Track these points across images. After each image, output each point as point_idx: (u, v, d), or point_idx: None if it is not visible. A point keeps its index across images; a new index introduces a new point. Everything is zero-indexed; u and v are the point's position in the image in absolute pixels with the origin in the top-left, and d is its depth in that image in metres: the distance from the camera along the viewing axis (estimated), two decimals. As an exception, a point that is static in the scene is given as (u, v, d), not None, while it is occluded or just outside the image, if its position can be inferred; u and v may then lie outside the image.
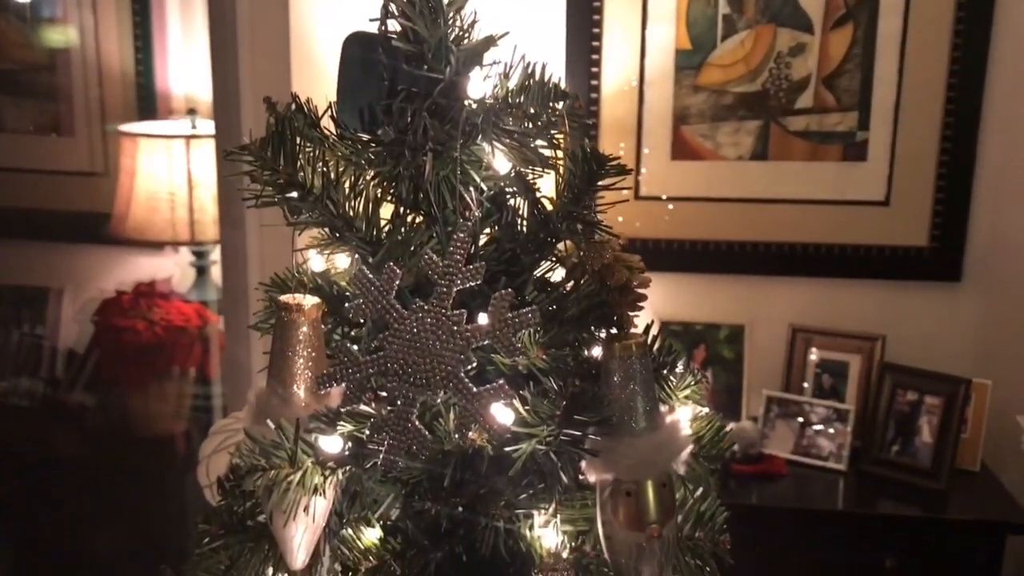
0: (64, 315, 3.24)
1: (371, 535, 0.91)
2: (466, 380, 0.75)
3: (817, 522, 2.62)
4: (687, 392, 0.92)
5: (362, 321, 0.88)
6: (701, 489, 0.91)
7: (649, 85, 2.90)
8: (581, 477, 0.91)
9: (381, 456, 0.75)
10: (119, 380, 2.97)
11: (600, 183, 0.85)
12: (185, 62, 3.11)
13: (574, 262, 0.87)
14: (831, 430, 2.80)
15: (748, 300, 3.00)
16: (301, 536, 0.87)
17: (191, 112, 3.03)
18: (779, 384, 2.95)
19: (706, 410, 0.92)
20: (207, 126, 2.99)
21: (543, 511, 0.90)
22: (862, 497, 2.69)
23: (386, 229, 0.87)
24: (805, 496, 2.69)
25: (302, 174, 0.86)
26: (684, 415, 0.87)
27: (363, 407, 0.79)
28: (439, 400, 0.75)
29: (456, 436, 0.78)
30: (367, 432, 0.76)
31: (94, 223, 3.13)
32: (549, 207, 0.88)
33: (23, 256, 3.27)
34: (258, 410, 0.87)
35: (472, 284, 0.76)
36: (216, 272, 3.16)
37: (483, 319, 0.75)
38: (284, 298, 0.87)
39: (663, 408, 0.84)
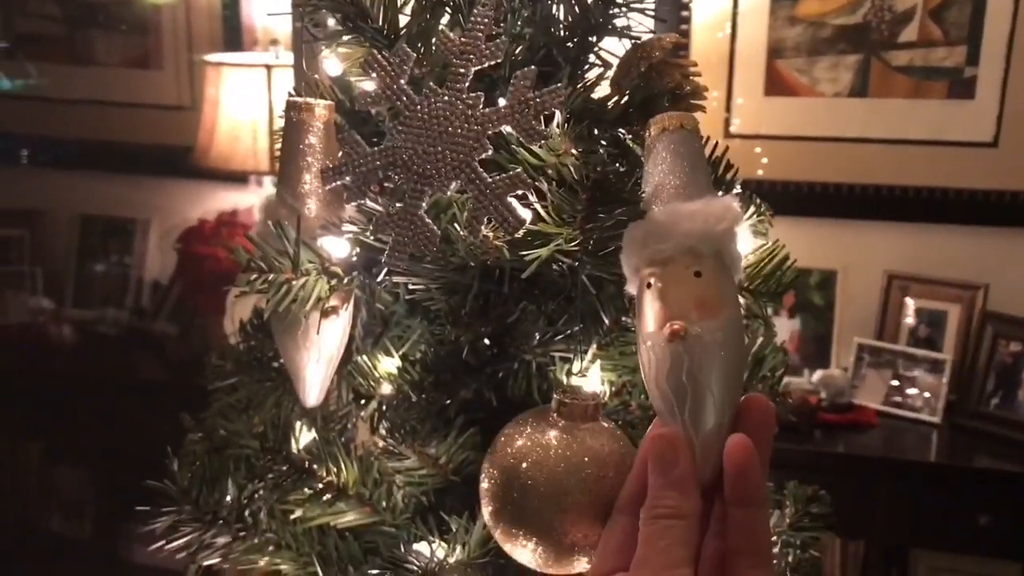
0: (150, 246, 3.23)
1: (388, 364, 0.82)
2: (479, 168, 0.64)
3: (907, 474, 2.44)
4: (749, 221, 0.80)
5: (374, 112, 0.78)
6: (760, 329, 0.78)
7: (743, 16, 2.74)
8: (625, 319, 0.80)
9: (385, 255, 0.65)
10: (200, 308, 2.95)
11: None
12: (271, -6, 3.06)
13: (618, 60, 0.75)
14: (926, 381, 2.61)
15: (842, 245, 2.82)
16: (314, 366, 0.78)
17: (274, 43, 2.98)
18: (871, 333, 2.77)
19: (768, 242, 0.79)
20: (289, 57, 2.94)
21: (581, 355, 0.79)
22: (956, 451, 2.50)
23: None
24: (895, 447, 2.52)
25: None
26: (744, 238, 0.73)
27: (370, 204, 0.69)
28: (450, 192, 0.65)
29: (467, 232, 0.67)
30: (371, 229, 0.66)
31: (181, 156, 3.11)
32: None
33: (111, 188, 3.27)
34: (265, 219, 0.78)
35: (491, 63, 0.65)
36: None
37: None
38: (292, 98, 0.78)
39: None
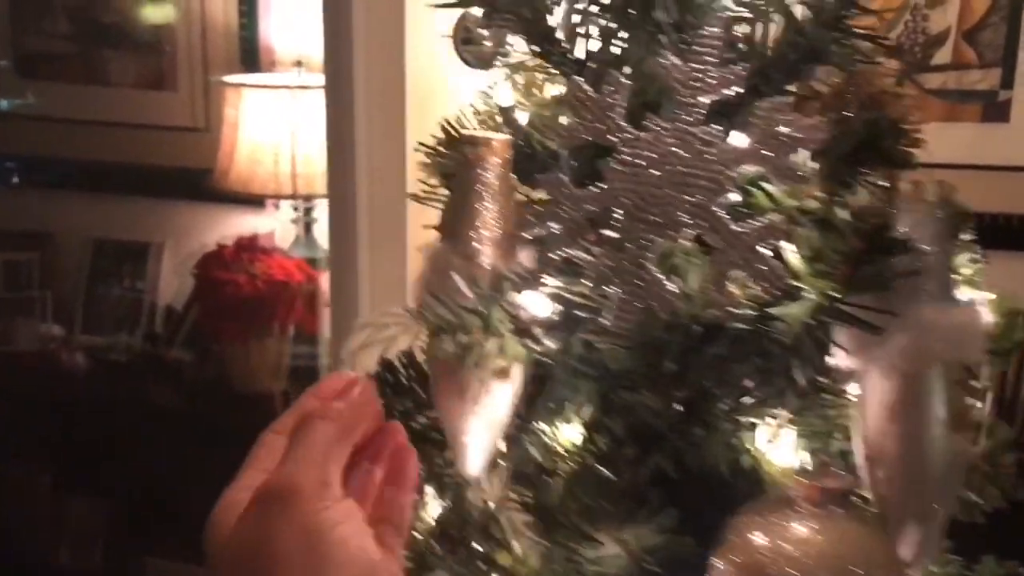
0: (164, 270, 3.10)
1: (568, 433, 0.71)
2: (721, 214, 0.54)
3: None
4: (968, 271, 0.71)
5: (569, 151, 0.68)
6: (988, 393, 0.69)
7: (774, 38, 2.66)
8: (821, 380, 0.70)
9: (612, 315, 0.55)
10: (219, 335, 2.82)
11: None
12: (290, 13, 2.96)
13: (834, 89, 0.66)
14: None
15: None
16: (480, 432, 0.67)
17: (297, 64, 2.88)
18: None
19: (990, 295, 0.70)
20: (312, 79, 2.83)
21: (771, 419, 0.70)
22: None
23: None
24: None
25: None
26: (971, 297, 0.65)
27: (579, 256, 0.59)
28: (685, 242, 0.55)
29: (710, 291, 0.57)
30: (589, 286, 0.56)
31: (195, 179, 2.99)
32: (804, 17, 0.66)
33: (124, 211, 3.14)
34: (434, 270, 0.67)
35: (730, 93, 0.56)
36: (318, 228, 3.00)
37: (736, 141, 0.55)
38: (469, 133, 0.67)
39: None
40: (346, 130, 2.29)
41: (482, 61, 0.71)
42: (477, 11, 0.70)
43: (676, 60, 0.57)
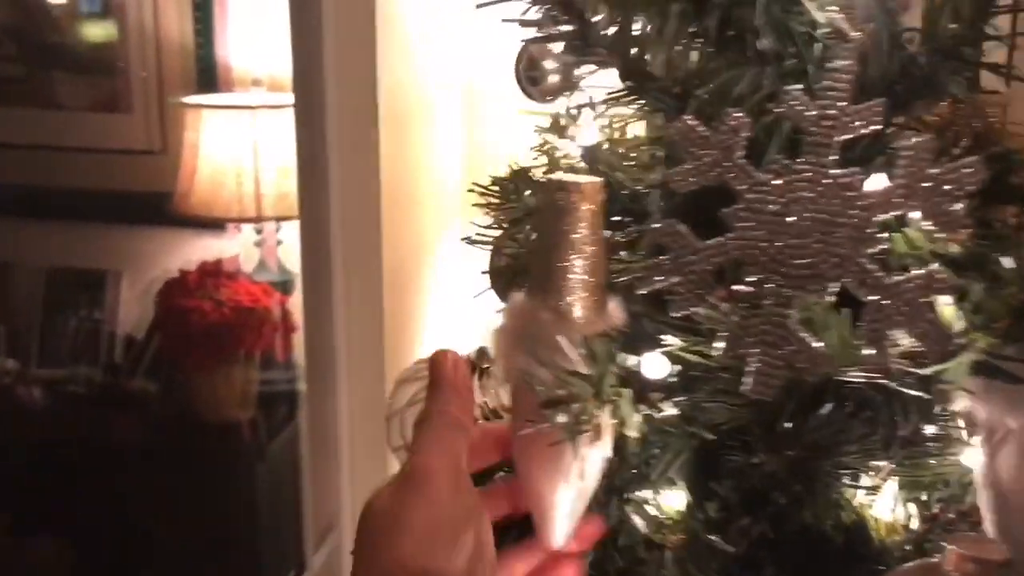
0: (123, 298, 2.99)
1: (671, 501, 0.66)
2: (871, 265, 0.50)
3: None
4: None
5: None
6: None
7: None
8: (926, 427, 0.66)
9: (751, 376, 0.50)
10: (185, 364, 2.72)
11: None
12: (247, 31, 2.87)
13: (942, 122, 0.62)
14: None
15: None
16: (572, 500, 0.61)
17: (256, 83, 2.79)
18: None
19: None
20: (273, 98, 2.75)
21: (872, 471, 0.65)
22: None
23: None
24: None
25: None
26: None
27: (708, 313, 0.54)
28: (826, 298, 0.50)
29: (871, 350, 0.51)
30: (723, 345, 0.51)
31: (152, 203, 2.89)
32: (914, 46, 0.62)
33: (78, 238, 3.02)
34: (521, 330, 0.61)
35: (868, 130, 0.51)
36: (282, 251, 2.92)
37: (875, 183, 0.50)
38: (556, 176, 0.61)
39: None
40: (318, 149, 2.21)
41: (546, 95, 0.65)
42: (543, 41, 0.65)
43: (802, 96, 0.52)
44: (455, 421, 0.63)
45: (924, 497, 0.68)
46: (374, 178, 2.25)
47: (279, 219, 2.77)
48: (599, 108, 0.66)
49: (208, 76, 2.91)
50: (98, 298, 2.97)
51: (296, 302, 2.83)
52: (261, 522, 2.74)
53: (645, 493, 0.67)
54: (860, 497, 0.67)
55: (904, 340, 0.50)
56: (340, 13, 2.16)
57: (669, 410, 0.59)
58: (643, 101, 0.63)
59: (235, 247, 2.94)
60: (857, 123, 0.51)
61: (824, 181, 0.51)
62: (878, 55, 0.61)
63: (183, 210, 2.74)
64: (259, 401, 2.81)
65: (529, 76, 0.61)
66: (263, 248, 2.83)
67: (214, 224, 2.91)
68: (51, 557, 2.91)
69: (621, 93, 0.63)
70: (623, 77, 0.62)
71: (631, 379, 0.58)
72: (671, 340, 0.59)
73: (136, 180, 2.96)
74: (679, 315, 0.56)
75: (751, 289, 0.52)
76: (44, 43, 2.98)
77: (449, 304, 2.66)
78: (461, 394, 0.63)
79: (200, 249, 2.93)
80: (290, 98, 2.70)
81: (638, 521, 0.66)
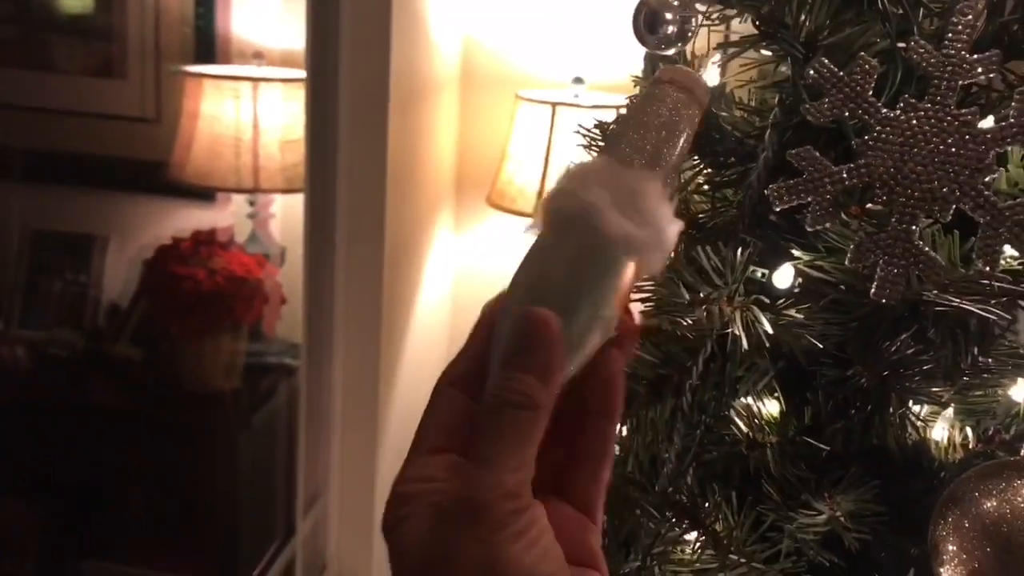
0: (109, 264, 3.00)
1: (770, 407, 0.73)
2: (987, 191, 0.57)
3: None
4: None
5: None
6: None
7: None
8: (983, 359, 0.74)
9: (876, 283, 0.56)
10: (173, 331, 2.74)
11: None
12: (249, 5, 2.90)
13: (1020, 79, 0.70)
14: None
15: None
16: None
17: (257, 56, 2.82)
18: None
19: None
20: (274, 71, 2.79)
21: (933, 397, 0.73)
22: None
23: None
24: None
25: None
26: None
27: (843, 229, 0.61)
28: (947, 217, 0.58)
29: (982, 266, 0.58)
30: (851, 255, 0.58)
31: (144, 171, 2.90)
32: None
33: (66, 202, 3.02)
34: (602, 172, 0.54)
35: (984, 78, 0.59)
36: (274, 224, 2.95)
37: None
38: (674, 70, 0.60)
39: None
40: (328, 125, 2.25)
41: (662, 44, 0.71)
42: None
43: (927, 45, 0.59)
44: (539, 408, 0.51)
45: (975, 423, 0.75)
46: (381, 156, 2.29)
47: (277, 191, 2.80)
48: (717, 55, 0.72)
49: (207, 47, 2.93)
50: (84, 263, 2.97)
51: (287, 273, 2.86)
52: (247, 491, 2.77)
53: (748, 401, 0.74)
54: (923, 415, 0.75)
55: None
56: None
57: (796, 316, 0.66)
58: (775, 47, 0.70)
59: (227, 219, 2.96)
60: (979, 70, 0.59)
61: (947, 119, 0.59)
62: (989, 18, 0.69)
63: (178, 178, 2.76)
64: (244, 372, 2.84)
65: (648, 25, 0.66)
66: (256, 220, 2.87)
67: (204, 194, 2.94)
68: (23, 518, 2.90)
69: (755, 39, 0.70)
70: (759, 25, 0.69)
71: (751, 287, 0.65)
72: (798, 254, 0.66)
73: (129, 147, 2.97)
74: (812, 230, 0.63)
75: (880, 207, 0.59)
76: (39, 4, 2.98)
77: (441, 284, 2.72)
78: (556, 376, 0.52)
79: (190, 219, 2.95)
80: (293, 72, 2.75)
81: (740, 424, 0.73)
